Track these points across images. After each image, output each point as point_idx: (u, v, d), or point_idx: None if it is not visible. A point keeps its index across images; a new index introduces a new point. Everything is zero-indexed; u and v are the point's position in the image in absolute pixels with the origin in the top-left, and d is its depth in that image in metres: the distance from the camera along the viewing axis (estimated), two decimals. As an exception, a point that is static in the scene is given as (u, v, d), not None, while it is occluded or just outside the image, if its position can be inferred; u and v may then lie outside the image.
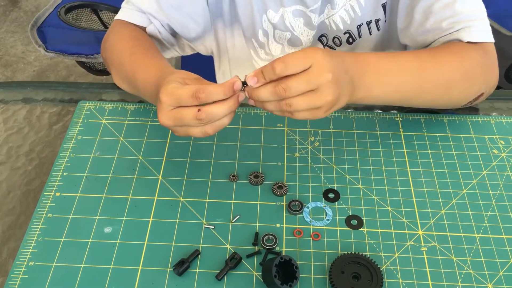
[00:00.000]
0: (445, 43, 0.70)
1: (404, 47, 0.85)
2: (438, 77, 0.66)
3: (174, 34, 0.81)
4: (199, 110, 0.53)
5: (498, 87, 0.73)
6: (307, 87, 0.53)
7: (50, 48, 1.07)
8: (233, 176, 0.65)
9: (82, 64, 1.18)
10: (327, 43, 0.82)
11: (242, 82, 0.54)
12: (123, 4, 0.79)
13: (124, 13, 0.78)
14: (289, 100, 0.54)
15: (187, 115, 0.54)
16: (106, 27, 1.25)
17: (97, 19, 1.25)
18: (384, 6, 0.77)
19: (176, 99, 0.55)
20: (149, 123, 0.72)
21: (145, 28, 0.78)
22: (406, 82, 0.65)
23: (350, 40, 0.81)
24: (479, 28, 0.69)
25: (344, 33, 0.80)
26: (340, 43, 0.82)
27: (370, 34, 0.80)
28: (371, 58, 0.63)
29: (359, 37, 0.80)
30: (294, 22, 0.79)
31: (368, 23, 0.79)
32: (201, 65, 1.01)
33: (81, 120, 0.73)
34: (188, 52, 0.87)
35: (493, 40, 0.70)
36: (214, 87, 0.53)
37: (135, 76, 0.68)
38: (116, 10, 0.79)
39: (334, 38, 0.81)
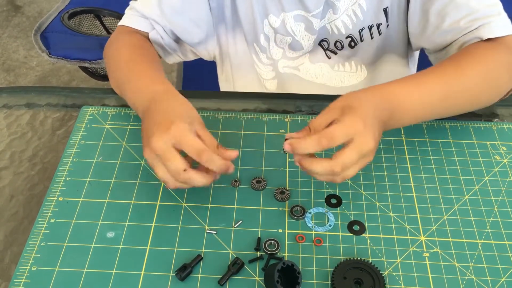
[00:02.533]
0: (467, 49, 0.69)
1: (406, 50, 0.85)
2: (465, 91, 0.66)
3: (176, 40, 0.82)
4: (185, 170, 0.55)
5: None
6: (358, 158, 0.55)
7: (53, 53, 1.07)
8: (235, 181, 0.66)
9: (84, 69, 1.18)
10: (328, 47, 0.83)
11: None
12: (126, 10, 0.80)
13: (127, 19, 0.79)
14: (345, 174, 0.56)
15: (175, 164, 0.55)
16: (109, 33, 1.25)
17: (100, 24, 1.25)
18: (385, 10, 0.78)
19: (183, 142, 0.56)
20: (151, 128, 0.72)
21: (147, 34, 0.78)
22: (433, 105, 0.65)
23: (352, 44, 0.81)
24: (499, 23, 0.68)
25: (346, 37, 0.81)
26: (342, 47, 0.82)
27: (372, 38, 0.81)
28: (397, 93, 0.62)
29: (361, 41, 0.81)
30: (295, 26, 0.79)
31: (370, 27, 0.79)
32: (203, 70, 1.01)
33: (84, 125, 0.73)
34: (191, 57, 0.88)
35: None
36: (218, 159, 0.56)
37: (129, 82, 0.68)
38: (119, 16, 0.79)
39: (336, 42, 0.81)
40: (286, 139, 0.57)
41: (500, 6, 0.70)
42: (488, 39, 0.68)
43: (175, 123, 0.56)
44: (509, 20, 0.70)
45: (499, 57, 0.67)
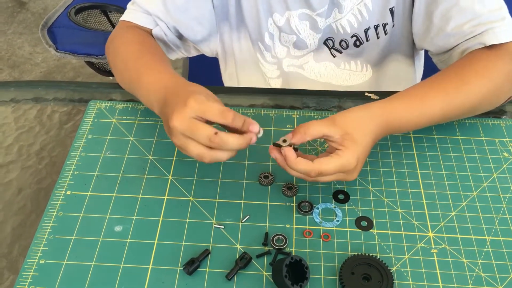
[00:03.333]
0: (470, 58, 0.69)
1: (412, 50, 0.85)
2: (465, 106, 0.67)
3: (180, 36, 0.81)
4: (216, 133, 0.54)
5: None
6: (335, 180, 0.59)
7: (60, 48, 1.08)
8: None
9: (91, 64, 1.19)
10: (333, 46, 0.82)
11: (277, 144, 0.59)
12: (128, 5, 0.80)
13: (130, 15, 0.78)
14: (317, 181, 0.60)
15: (204, 131, 0.55)
16: (115, 29, 1.25)
17: (106, 20, 1.25)
18: (391, 10, 0.77)
19: (203, 111, 0.55)
20: (159, 123, 0.73)
21: (150, 30, 0.78)
22: (429, 122, 0.66)
23: (357, 43, 0.81)
24: (503, 29, 0.68)
25: (351, 37, 0.80)
26: (347, 46, 0.82)
27: (378, 38, 0.80)
28: (398, 114, 0.63)
29: (367, 40, 0.80)
30: (300, 25, 0.79)
31: (376, 27, 0.79)
32: (208, 66, 1.01)
33: (91, 119, 0.73)
34: (194, 53, 0.88)
35: None
36: (242, 117, 0.56)
37: (139, 82, 0.67)
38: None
39: (341, 41, 0.81)
40: (278, 144, 0.58)
41: (505, 10, 0.69)
42: (492, 45, 0.68)
43: (191, 97, 0.56)
44: None
45: (501, 67, 0.67)
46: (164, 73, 0.66)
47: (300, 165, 0.57)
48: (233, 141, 0.55)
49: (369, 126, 0.60)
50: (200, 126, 0.55)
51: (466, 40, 0.70)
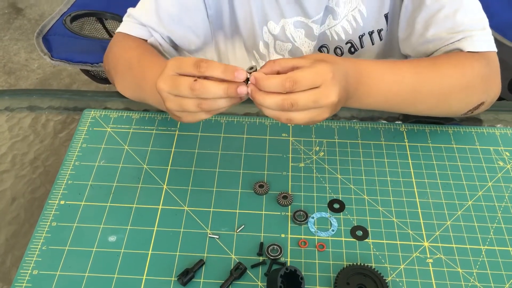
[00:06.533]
0: (447, 53, 0.70)
1: (405, 57, 0.85)
2: (435, 89, 0.66)
3: (175, 46, 0.81)
4: (195, 80, 0.54)
5: (501, 99, 0.73)
6: (313, 106, 0.55)
7: (55, 56, 1.07)
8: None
9: (86, 72, 1.18)
10: (327, 53, 0.82)
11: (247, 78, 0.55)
12: (124, 18, 0.80)
13: (125, 26, 0.79)
14: (292, 114, 0.55)
15: (184, 82, 0.55)
16: (112, 36, 1.26)
17: (102, 28, 1.25)
18: (386, 16, 0.78)
19: (179, 64, 0.56)
20: (154, 131, 0.72)
21: (146, 40, 0.78)
22: (399, 94, 0.65)
23: (352, 50, 0.81)
24: (481, 38, 0.69)
25: (346, 43, 0.80)
26: (342, 53, 0.82)
27: (373, 44, 0.81)
28: (369, 68, 0.63)
29: (361, 47, 0.81)
30: (295, 33, 0.79)
31: (371, 33, 0.79)
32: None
33: (86, 128, 0.73)
34: None
35: (495, 49, 0.70)
36: (217, 62, 0.55)
37: (145, 79, 0.68)
38: (121, 19, 0.79)
39: (335, 48, 0.81)
40: (250, 71, 0.55)
41: (485, 21, 0.70)
42: (470, 52, 0.69)
43: (167, 61, 0.57)
44: (492, 37, 0.70)
45: (477, 68, 0.68)
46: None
47: (273, 78, 0.53)
48: (215, 86, 0.54)
49: (338, 58, 0.60)
50: (180, 78, 0.55)
51: (445, 46, 0.71)
